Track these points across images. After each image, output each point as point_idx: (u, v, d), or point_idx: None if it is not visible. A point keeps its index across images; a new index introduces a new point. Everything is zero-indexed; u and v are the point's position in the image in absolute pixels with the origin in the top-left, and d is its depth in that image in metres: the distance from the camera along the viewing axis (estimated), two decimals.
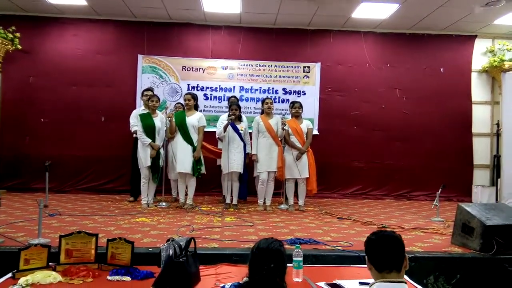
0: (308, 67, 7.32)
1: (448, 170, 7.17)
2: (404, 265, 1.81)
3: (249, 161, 5.82)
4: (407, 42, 7.45)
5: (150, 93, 5.85)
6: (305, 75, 7.31)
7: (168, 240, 2.41)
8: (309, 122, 6.03)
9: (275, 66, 7.27)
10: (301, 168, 5.62)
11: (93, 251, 2.75)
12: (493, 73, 7.33)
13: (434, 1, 6.10)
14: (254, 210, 5.57)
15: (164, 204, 5.61)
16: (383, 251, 1.84)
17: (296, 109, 5.80)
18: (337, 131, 7.30)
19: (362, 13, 6.61)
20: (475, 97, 7.48)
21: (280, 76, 7.28)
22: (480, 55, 7.48)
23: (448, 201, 6.78)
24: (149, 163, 5.41)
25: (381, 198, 7.19)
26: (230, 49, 7.30)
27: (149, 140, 5.40)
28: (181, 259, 2.31)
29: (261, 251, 1.89)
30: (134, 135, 5.81)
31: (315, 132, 6.92)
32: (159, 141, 5.51)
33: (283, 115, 6.17)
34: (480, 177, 7.48)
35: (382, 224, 4.62)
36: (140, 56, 7.13)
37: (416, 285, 2.59)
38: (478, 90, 7.53)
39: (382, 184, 7.37)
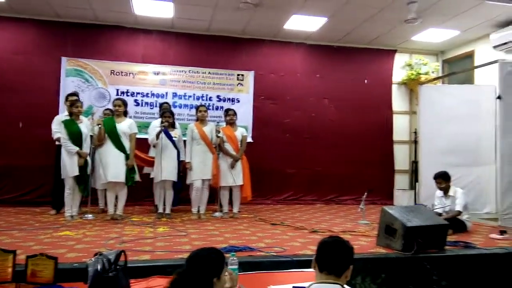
0: (242, 75, 7.39)
1: (372, 175, 7.62)
2: (345, 274, 1.87)
3: (183, 169, 5.71)
4: (335, 54, 7.84)
5: (74, 98, 5.51)
6: (239, 83, 7.37)
7: (95, 254, 2.27)
8: (244, 129, 6.08)
9: (209, 73, 7.25)
10: (236, 176, 5.64)
11: (10, 269, 2.51)
12: (411, 86, 7.96)
13: (359, 16, 6.50)
14: (188, 219, 5.46)
15: (90, 216, 5.27)
16: (329, 252, 1.90)
17: (230, 117, 5.82)
18: (270, 139, 7.44)
19: (293, 24, 6.84)
20: (395, 107, 8.07)
21: (214, 83, 7.26)
22: (399, 69, 8.09)
23: (372, 205, 7.20)
24: (76, 173, 5.05)
25: (312, 203, 7.43)
26: (162, 54, 7.14)
27: (76, 148, 5.06)
28: (110, 274, 2.19)
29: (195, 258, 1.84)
30: (57, 143, 5.42)
31: (249, 139, 6.99)
32: (86, 149, 5.19)
33: (218, 122, 6.15)
34: (401, 181, 8.05)
35: (313, 229, 4.78)
36: (64, 59, 6.69)
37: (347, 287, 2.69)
38: (398, 100, 8.13)
39: (312, 190, 7.63)
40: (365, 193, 5.61)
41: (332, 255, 1.90)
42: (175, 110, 6.46)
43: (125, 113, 5.49)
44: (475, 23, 6.58)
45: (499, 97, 5.44)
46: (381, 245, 3.96)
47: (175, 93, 7.10)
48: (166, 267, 3.12)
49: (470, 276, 3.72)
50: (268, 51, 7.59)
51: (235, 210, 5.77)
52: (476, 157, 6.46)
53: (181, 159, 5.60)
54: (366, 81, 7.89)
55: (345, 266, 1.88)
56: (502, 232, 4.62)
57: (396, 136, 8.05)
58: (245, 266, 3.22)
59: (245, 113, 7.22)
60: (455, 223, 4.80)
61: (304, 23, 6.81)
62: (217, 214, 5.72)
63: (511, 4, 4.73)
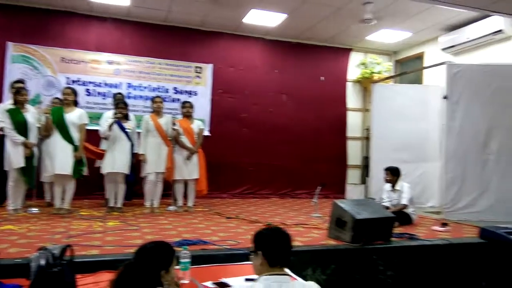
0: (200, 67, 7.31)
1: (326, 170, 7.81)
2: None
3: (136, 162, 5.57)
4: (293, 50, 7.93)
5: (19, 85, 5.21)
6: (197, 75, 7.28)
7: (39, 249, 2.17)
8: (201, 122, 6.03)
9: (166, 64, 7.10)
10: (191, 169, 5.59)
11: None
12: (365, 84, 8.22)
13: (317, 14, 6.61)
14: (141, 213, 5.34)
15: (35, 209, 5.02)
16: (280, 246, 1.93)
17: (186, 109, 5.74)
18: (227, 133, 7.41)
19: (253, 19, 6.84)
20: (349, 105, 8.31)
21: (171, 75, 7.12)
22: (354, 67, 8.32)
23: (325, 198, 7.36)
24: (21, 164, 4.78)
25: (267, 197, 7.52)
26: (117, 43, 6.90)
27: (22, 138, 4.78)
28: (54, 269, 2.10)
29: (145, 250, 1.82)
30: (0, 132, 5.11)
31: (206, 133, 6.94)
32: (32, 139, 4.92)
33: (174, 115, 6.05)
34: (353, 176, 8.32)
35: (267, 222, 4.84)
36: (9, 44, 6.30)
37: (296, 277, 2.75)
38: (352, 98, 8.37)
39: (268, 184, 7.72)
40: (318, 188, 5.75)
41: (282, 247, 1.93)
42: (130, 101, 6.28)
43: (75, 103, 5.26)
44: (426, 26, 6.89)
45: (445, 97, 5.72)
46: (331, 237, 4.08)
47: (129, 83, 6.90)
48: (116, 262, 3.03)
49: (413, 265, 3.92)
50: (227, 44, 7.54)
51: (190, 203, 5.72)
52: (423, 153, 6.81)
53: (134, 151, 5.46)
54: (322, 78, 8.05)
55: (291, 255, 1.92)
56: (444, 225, 4.90)
57: (349, 133, 8.29)
58: (198, 259, 3.19)
59: (202, 106, 7.16)
60: (401, 216, 5.03)
61: (263, 18, 6.83)
62: (171, 208, 5.65)
63: (459, 9, 5.00)
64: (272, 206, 6.56)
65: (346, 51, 8.22)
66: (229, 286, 2.50)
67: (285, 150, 7.78)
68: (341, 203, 4.10)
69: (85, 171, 5.28)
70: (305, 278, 3.51)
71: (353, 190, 7.93)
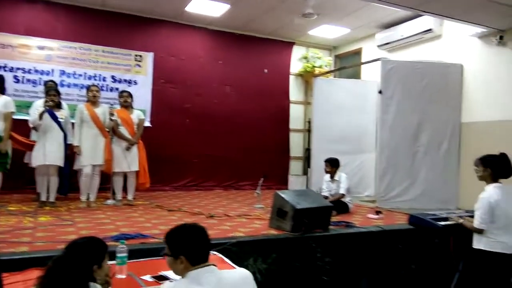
0: (140, 56, 7.05)
1: (269, 161, 7.91)
2: None
3: (71, 153, 5.27)
4: (237, 42, 7.89)
5: None
6: (136, 64, 7.02)
7: None
8: (141, 112, 5.83)
9: (103, 51, 6.76)
10: (131, 161, 5.40)
11: None
12: (307, 77, 8.41)
13: (260, 6, 6.63)
14: (76, 207, 5.07)
15: None
16: (201, 244, 1.89)
17: (124, 98, 5.52)
18: (170, 124, 7.24)
19: (196, 8, 6.70)
20: (292, 97, 8.46)
21: (108, 63, 6.79)
22: (297, 61, 8.48)
23: (268, 189, 7.45)
24: None
25: (211, 189, 7.48)
26: (49, 27, 6.44)
27: None
28: None
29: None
30: None
31: (147, 124, 6.73)
32: None
33: (112, 104, 5.79)
34: (295, 167, 8.52)
35: (210, 214, 4.82)
36: None
37: (234, 265, 2.76)
38: (295, 91, 8.54)
39: (212, 176, 7.67)
40: (261, 179, 5.82)
41: (205, 245, 1.91)
42: (63, 90, 5.93)
43: (2, 90, 4.85)
44: (363, 23, 7.17)
45: (380, 92, 6.02)
46: (273, 227, 4.15)
47: (62, 70, 6.48)
48: (47, 258, 2.82)
49: (350, 251, 4.11)
50: (169, 33, 7.34)
51: (130, 197, 5.53)
52: (360, 145, 7.12)
53: (68, 142, 5.16)
54: (266, 70, 8.11)
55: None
56: (378, 212, 5.18)
57: (292, 125, 8.46)
58: (137, 253, 3.11)
59: (143, 96, 6.92)
60: (339, 205, 5.25)
61: (206, 8, 6.71)
62: (110, 201, 5.43)
63: (392, 7, 5.25)
64: (216, 198, 6.54)
65: (289, 45, 8.34)
66: (168, 279, 2.46)
67: (229, 141, 7.76)
68: (282, 193, 4.18)
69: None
70: (246, 267, 3.54)
71: (295, 181, 8.12)
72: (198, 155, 7.53)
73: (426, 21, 6.32)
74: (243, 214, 4.93)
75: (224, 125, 7.72)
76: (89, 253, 1.71)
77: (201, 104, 7.54)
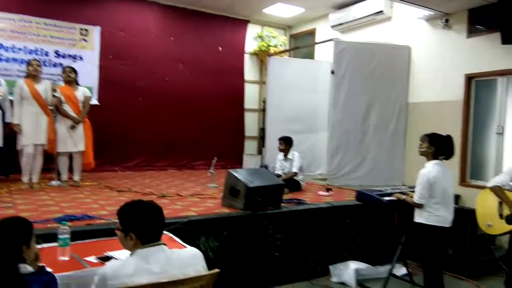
0: (86, 30, 6.65)
1: (224, 140, 7.85)
2: None
3: (10, 132, 4.94)
4: (190, 18, 7.65)
5: None
6: (82, 38, 6.62)
7: None
8: (86, 89, 5.54)
9: (45, 24, 6.30)
10: (76, 140, 5.16)
11: None
12: (261, 57, 8.36)
13: None
14: (17, 188, 4.80)
15: None
16: (153, 223, 1.85)
17: (66, 74, 5.21)
18: (120, 102, 6.95)
19: None
20: (247, 77, 8.39)
21: (51, 37, 6.36)
22: (252, 39, 8.39)
23: (223, 169, 7.40)
24: None
25: (164, 169, 7.34)
26: None
27: None
28: None
29: None
30: None
31: (95, 101, 6.43)
32: None
33: (54, 81, 5.46)
34: (250, 147, 8.53)
35: (162, 194, 4.74)
36: None
37: (185, 245, 2.73)
38: (250, 70, 8.47)
39: (165, 155, 7.51)
40: (215, 158, 5.78)
41: (158, 224, 1.88)
42: (0, 65, 5.50)
43: None
44: (318, 3, 7.18)
45: (332, 72, 6.10)
46: (225, 205, 4.16)
47: (0, 44, 6.00)
48: None
49: (301, 227, 4.21)
50: (117, 6, 6.97)
51: (76, 178, 5.30)
52: (314, 124, 7.23)
53: (6, 120, 4.83)
54: (220, 48, 7.97)
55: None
56: (328, 190, 5.33)
57: (247, 104, 8.42)
58: (82, 234, 3.01)
59: (89, 72, 6.58)
60: (291, 183, 5.34)
61: None
62: (54, 183, 5.17)
63: None
64: (169, 178, 6.43)
65: (244, 23, 8.22)
66: (113, 258, 2.39)
67: (183, 120, 7.60)
68: (234, 172, 4.17)
69: None
70: (198, 246, 3.53)
71: (250, 160, 8.15)
72: (150, 134, 7.31)
73: (377, 3, 6.43)
74: (196, 194, 4.89)
75: (177, 104, 7.53)
76: (15, 233, 1.63)
77: (153, 82, 7.29)
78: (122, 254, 2.45)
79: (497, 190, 3.60)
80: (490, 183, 3.73)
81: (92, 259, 2.41)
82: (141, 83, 7.18)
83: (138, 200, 1.95)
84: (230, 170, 4.25)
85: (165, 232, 3.02)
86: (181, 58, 7.58)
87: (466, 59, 5.49)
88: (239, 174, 4.16)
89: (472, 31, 5.47)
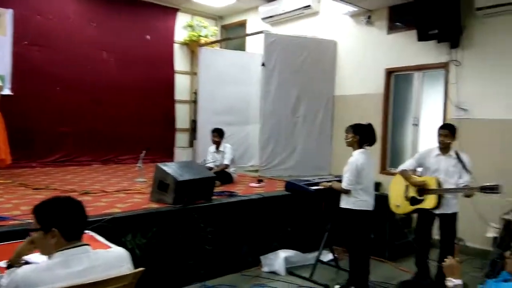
0: None
1: (154, 133, 7.60)
2: None
3: None
4: (115, 3, 7.23)
5: None
6: None
7: None
8: None
9: None
10: None
11: None
12: (192, 47, 8.17)
13: None
14: None
15: None
16: (77, 218, 1.74)
17: None
18: (36, 92, 6.40)
19: None
20: (177, 67, 8.16)
21: None
22: (182, 29, 8.16)
23: (153, 163, 7.13)
24: None
25: (88, 164, 6.92)
26: None
27: None
28: None
29: None
30: None
31: (7, 91, 5.84)
32: None
33: None
34: (181, 139, 8.34)
35: (84, 191, 4.46)
36: None
37: (110, 244, 2.59)
38: (180, 60, 8.24)
39: (90, 150, 7.09)
40: (143, 152, 5.57)
41: (81, 219, 1.77)
42: None
43: None
44: None
45: (263, 65, 6.14)
46: (154, 200, 4.02)
47: None
48: None
49: (232, 220, 4.20)
50: None
51: None
52: (245, 116, 7.26)
53: None
54: (148, 37, 7.65)
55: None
56: (260, 181, 5.39)
57: (178, 96, 8.21)
58: None
59: (1, 59, 5.97)
60: (223, 175, 5.33)
61: None
62: None
63: None
64: (93, 173, 6.08)
65: (173, 11, 7.95)
66: (29, 263, 2.19)
67: (109, 112, 7.21)
68: (163, 166, 4.05)
69: None
70: (124, 244, 3.38)
71: (181, 153, 7.98)
72: (71, 127, 6.83)
73: None
74: (122, 189, 4.67)
75: (102, 94, 7.13)
76: None
77: (74, 70, 6.79)
78: (38, 258, 2.26)
79: (404, 173, 3.93)
80: (399, 168, 4.07)
81: (3, 264, 2.19)
82: (60, 71, 6.66)
83: (55, 196, 1.82)
84: (159, 164, 4.11)
85: (87, 231, 2.85)
86: (104, 46, 7.16)
87: (386, 54, 5.82)
88: (168, 167, 4.04)
89: (392, 28, 5.80)
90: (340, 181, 3.72)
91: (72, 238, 1.70)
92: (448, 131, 3.78)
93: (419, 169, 4.02)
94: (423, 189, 3.78)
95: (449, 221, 3.80)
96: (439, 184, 3.72)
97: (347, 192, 3.60)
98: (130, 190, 4.65)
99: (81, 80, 6.87)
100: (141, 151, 5.67)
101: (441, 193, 3.69)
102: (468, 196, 3.59)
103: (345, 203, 3.66)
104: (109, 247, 2.58)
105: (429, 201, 3.72)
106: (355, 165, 3.55)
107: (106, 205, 3.87)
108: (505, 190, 3.49)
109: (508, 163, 4.55)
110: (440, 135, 3.81)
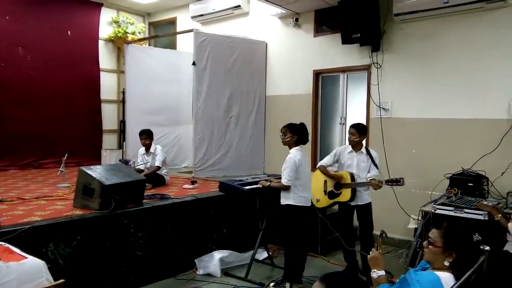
0: None
1: (78, 135, 7.18)
2: None
3: None
4: None
5: None
6: None
7: None
8: None
9: None
10: None
11: None
12: (118, 44, 7.81)
13: None
14: None
15: None
16: None
17: None
18: None
19: None
20: (103, 65, 7.75)
21: None
22: (106, 24, 7.76)
23: (78, 166, 6.75)
24: None
25: (4, 170, 6.36)
26: None
27: None
28: None
29: None
30: None
31: None
32: None
33: None
34: (109, 141, 7.95)
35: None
36: None
37: (26, 255, 2.36)
38: (106, 58, 7.85)
39: (5, 154, 6.53)
40: (66, 155, 5.21)
41: None
42: None
43: None
44: None
45: (193, 64, 6.03)
46: (78, 206, 3.77)
47: None
48: None
49: (165, 223, 4.07)
50: None
51: None
52: (177, 117, 7.10)
53: None
54: (69, 32, 7.17)
55: None
56: (193, 182, 5.29)
57: (104, 95, 7.81)
58: None
59: None
60: (154, 178, 5.16)
61: None
62: None
63: None
64: (9, 180, 5.58)
65: (97, 6, 7.54)
66: None
67: (27, 113, 6.67)
68: (88, 170, 3.80)
69: None
70: (46, 254, 3.13)
71: (109, 156, 7.59)
72: None
73: None
74: (43, 196, 4.32)
75: (20, 94, 6.58)
76: None
77: None
78: None
79: (322, 169, 4.21)
80: (318, 164, 4.34)
81: None
82: None
83: None
84: (82, 168, 3.85)
85: (1, 243, 2.60)
86: (20, 41, 6.61)
87: (314, 56, 6.02)
88: (92, 171, 3.80)
89: (318, 31, 6.02)
90: (279, 179, 3.78)
91: None
92: (355, 130, 4.11)
93: (335, 165, 4.29)
94: (339, 184, 4.08)
95: (365, 211, 4.12)
96: (352, 178, 4.03)
97: (287, 188, 3.68)
98: (51, 196, 4.32)
99: None
100: (64, 154, 5.29)
101: (354, 186, 4.00)
102: (375, 188, 3.90)
103: (285, 200, 3.74)
104: (25, 258, 2.36)
105: (345, 195, 4.03)
106: (294, 161, 3.65)
107: (24, 213, 3.55)
108: (419, 182, 3.82)
109: (422, 159, 4.94)
110: (349, 133, 4.16)
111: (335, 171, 4.21)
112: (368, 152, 4.12)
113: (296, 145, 3.78)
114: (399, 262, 4.50)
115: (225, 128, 6.34)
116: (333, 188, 4.12)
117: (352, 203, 4.08)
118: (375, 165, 4.06)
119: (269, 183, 3.94)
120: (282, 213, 3.83)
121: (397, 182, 3.80)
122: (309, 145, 5.80)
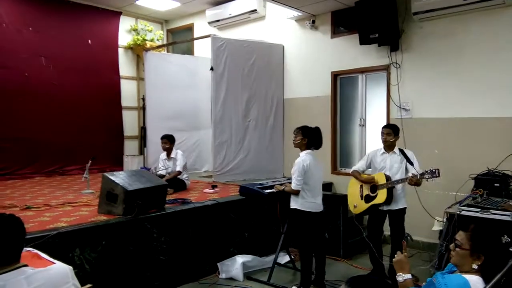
0: None
1: (101, 142, 7.32)
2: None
3: None
4: (52, 7, 6.88)
5: None
6: None
7: None
8: None
9: None
10: None
11: None
12: (137, 51, 7.95)
13: None
14: None
15: None
16: (10, 238, 1.62)
17: None
18: None
19: None
20: (122, 72, 7.89)
21: None
22: (125, 32, 7.91)
23: (101, 172, 6.90)
24: None
25: (30, 177, 6.53)
26: None
27: None
28: None
29: None
30: None
31: None
32: None
33: None
34: (130, 147, 8.07)
35: (26, 205, 4.17)
36: None
37: (54, 260, 2.42)
38: (125, 65, 7.99)
39: (31, 161, 6.70)
40: (89, 161, 5.32)
41: (17, 240, 1.64)
42: None
43: None
44: None
45: (212, 69, 6.09)
46: (102, 212, 3.84)
47: None
48: None
49: (187, 228, 4.11)
50: None
51: None
52: (196, 122, 7.15)
53: None
54: (90, 41, 7.34)
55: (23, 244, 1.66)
56: (214, 187, 5.33)
57: (124, 102, 7.95)
58: None
59: None
60: (175, 182, 5.22)
61: None
62: None
63: None
64: (36, 186, 5.73)
65: (116, 15, 7.69)
66: None
67: (51, 121, 6.85)
68: (111, 175, 3.87)
69: None
70: (72, 259, 3.20)
71: (131, 162, 7.71)
72: (11, 138, 6.44)
73: (250, 1, 6.63)
74: (68, 202, 4.42)
75: (43, 103, 6.75)
76: None
77: (9, 78, 6.39)
78: None
79: (355, 174, 4.16)
80: (351, 169, 4.27)
81: None
82: None
83: None
84: (106, 174, 3.93)
85: (29, 248, 2.66)
86: (42, 51, 6.79)
87: (331, 58, 5.99)
88: (115, 177, 3.87)
89: (335, 32, 5.99)
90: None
91: (7, 261, 1.57)
92: (390, 130, 4.03)
93: (369, 170, 4.20)
94: (374, 186, 3.98)
95: (398, 216, 4.00)
96: (387, 178, 3.93)
97: (296, 192, 3.67)
98: (76, 202, 4.41)
99: (17, 89, 6.47)
100: (88, 161, 5.41)
101: (389, 185, 3.89)
102: (412, 183, 3.76)
103: (294, 203, 3.74)
104: (53, 263, 2.42)
105: (381, 196, 3.93)
106: (302, 165, 3.63)
107: (51, 219, 3.64)
108: (443, 183, 3.75)
109: (445, 159, 4.84)
110: (383, 133, 4.05)
111: (368, 175, 4.13)
112: (402, 153, 4.01)
113: (307, 148, 3.75)
114: (425, 265, 4.41)
115: (244, 132, 6.36)
116: (369, 191, 4.05)
117: (385, 208, 3.96)
118: (411, 163, 3.91)
119: (283, 187, 3.94)
120: (290, 217, 3.83)
121: (432, 173, 3.62)
122: (328, 147, 5.85)
